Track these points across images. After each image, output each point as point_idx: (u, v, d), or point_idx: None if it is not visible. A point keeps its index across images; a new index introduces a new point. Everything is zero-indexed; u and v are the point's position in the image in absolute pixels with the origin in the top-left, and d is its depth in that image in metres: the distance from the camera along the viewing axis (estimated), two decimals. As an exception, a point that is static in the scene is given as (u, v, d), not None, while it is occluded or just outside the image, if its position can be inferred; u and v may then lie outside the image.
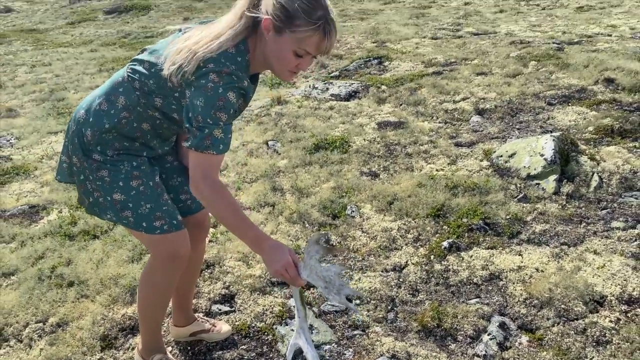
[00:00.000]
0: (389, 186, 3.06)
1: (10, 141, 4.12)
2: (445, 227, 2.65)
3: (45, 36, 7.87)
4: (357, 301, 2.17)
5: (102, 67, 6.10)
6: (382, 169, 3.29)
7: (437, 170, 3.20)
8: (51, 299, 2.27)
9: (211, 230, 2.75)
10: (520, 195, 2.83)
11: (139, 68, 1.56)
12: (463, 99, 4.21)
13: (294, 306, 1.59)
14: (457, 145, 3.50)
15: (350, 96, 4.59)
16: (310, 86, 4.87)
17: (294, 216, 2.83)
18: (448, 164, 3.27)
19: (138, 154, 1.65)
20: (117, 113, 1.58)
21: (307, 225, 2.77)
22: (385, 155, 3.47)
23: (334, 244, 1.38)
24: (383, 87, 4.68)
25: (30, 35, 7.88)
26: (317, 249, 1.48)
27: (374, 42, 6.25)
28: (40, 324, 2.14)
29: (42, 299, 2.28)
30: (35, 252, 2.62)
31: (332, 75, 5.23)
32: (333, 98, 4.57)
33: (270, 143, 3.73)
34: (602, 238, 2.47)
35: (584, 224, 2.61)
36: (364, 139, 3.70)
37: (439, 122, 3.89)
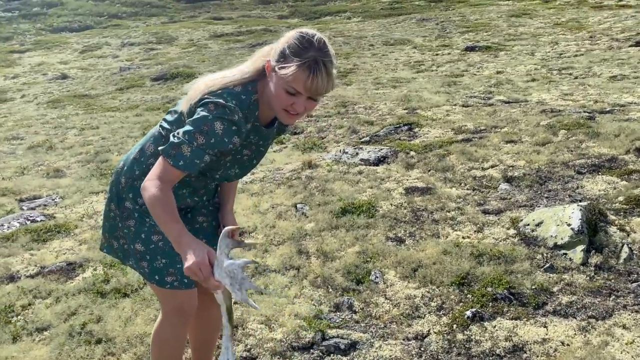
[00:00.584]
0: (414, 252, 3.07)
1: (55, 200, 4.35)
2: (469, 295, 2.63)
3: (96, 101, 8.39)
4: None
5: (146, 131, 6.44)
6: (408, 235, 3.32)
7: (463, 237, 3.21)
8: (79, 356, 2.35)
9: (236, 291, 2.81)
10: (547, 265, 2.79)
11: (168, 117, 1.73)
12: (492, 167, 4.24)
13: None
14: (484, 212, 3.51)
15: (379, 161, 4.69)
16: (340, 151, 5.00)
17: (318, 280, 2.87)
18: (474, 231, 3.27)
19: None
20: (146, 160, 1.72)
21: (330, 290, 2.80)
22: (412, 221, 3.50)
23: (244, 239, 1.37)
24: (412, 153, 4.77)
25: (82, 100, 8.42)
26: (227, 243, 1.41)
27: (405, 109, 6.40)
28: (67, 380, 2.20)
29: (70, 355, 2.35)
30: (69, 308, 2.72)
31: (362, 140, 5.37)
32: (362, 163, 4.67)
33: (299, 206, 3.82)
34: (632, 312, 2.41)
35: (613, 296, 2.54)
36: (391, 204, 3.75)
37: (467, 189, 3.92)
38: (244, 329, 2.51)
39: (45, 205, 4.26)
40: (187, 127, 1.51)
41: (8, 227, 3.80)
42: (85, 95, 8.81)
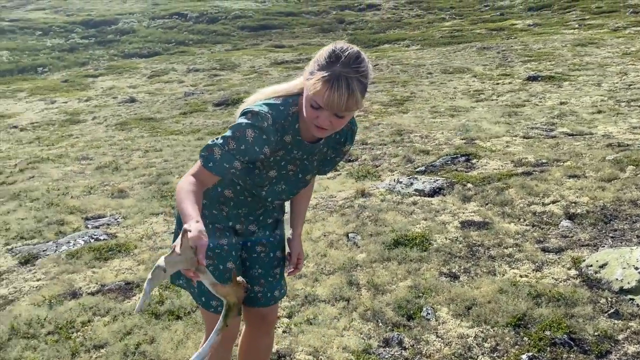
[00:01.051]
0: (469, 290, 2.98)
1: (118, 220, 4.54)
2: (525, 338, 2.52)
3: (160, 124, 8.76)
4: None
5: (205, 154, 6.63)
6: (462, 271, 3.23)
7: (520, 276, 3.09)
8: (132, 376, 2.41)
9: (285, 320, 2.82)
10: (612, 311, 2.64)
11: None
12: (553, 202, 4.08)
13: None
14: (544, 250, 3.37)
15: (434, 192, 4.61)
16: (394, 180, 4.96)
17: (368, 313, 2.83)
18: (533, 270, 3.14)
19: (223, 226, 1.79)
20: None
21: (380, 324, 2.75)
22: (467, 256, 3.41)
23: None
24: (469, 185, 4.67)
25: (147, 123, 8.81)
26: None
27: (462, 139, 6.30)
28: (119, 399, 2.26)
29: (124, 375, 2.42)
30: (125, 327, 2.81)
31: (417, 170, 5.31)
32: (417, 193, 4.62)
33: (350, 235, 3.81)
34: None
35: (686, 349, 2.36)
36: (446, 238, 3.67)
37: (526, 225, 3.78)
38: (291, 359, 2.50)
39: (108, 224, 4.45)
40: (225, 133, 1.58)
41: (74, 244, 3.99)
42: (150, 119, 9.21)
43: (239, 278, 1.47)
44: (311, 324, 2.78)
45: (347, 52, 1.46)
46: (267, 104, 1.60)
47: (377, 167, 5.50)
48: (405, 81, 10.67)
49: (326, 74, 1.45)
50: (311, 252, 3.60)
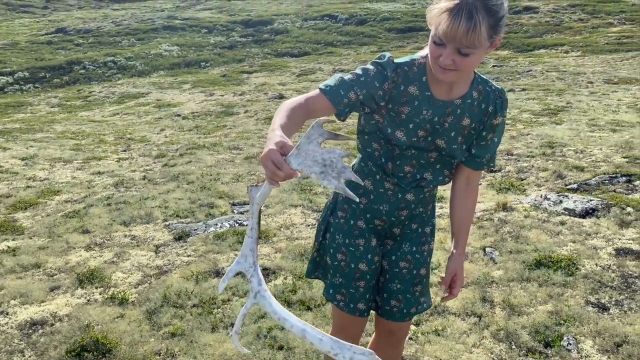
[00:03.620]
0: (619, 324, 2.69)
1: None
2: (687, 390, 2.21)
3: (305, 122, 9.17)
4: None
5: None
6: (613, 303, 2.92)
7: (686, 318, 2.71)
8: (263, 357, 2.55)
9: (412, 327, 2.78)
10: None
11: None
12: None
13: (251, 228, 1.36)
14: None
15: (586, 213, 4.22)
16: (541, 196, 4.64)
17: (501, 334, 2.69)
18: (702, 313, 2.74)
19: (364, 223, 1.75)
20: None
21: (514, 346, 2.60)
22: (621, 287, 3.08)
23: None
24: (629, 209, 4.20)
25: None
26: (320, 132, 1.26)
27: (624, 157, 5.68)
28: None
29: (256, 355, 2.58)
30: (259, 311, 2.99)
31: (568, 187, 4.90)
32: (566, 212, 4.26)
33: (487, 250, 3.64)
34: None
35: None
36: (596, 264, 3.35)
37: (697, 261, 3.31)
38: (416, 368, 2.47)
39: (251, 212, 4.76)
40: None
41: (220, 226, 4.32)
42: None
43: None
44: (439, 335, 2.71)
45: None
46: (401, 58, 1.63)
47: (522, 180, 5.19)
48: (561, 90, 9.91)
49: (450, 4, 1.37)
50: (444, 263, 3.51)
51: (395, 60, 1.59)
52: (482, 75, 1.65)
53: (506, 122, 8.22)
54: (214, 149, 7.24)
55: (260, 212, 1.40)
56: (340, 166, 1.25)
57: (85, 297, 3.23)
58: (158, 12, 27.67)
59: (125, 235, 4.19)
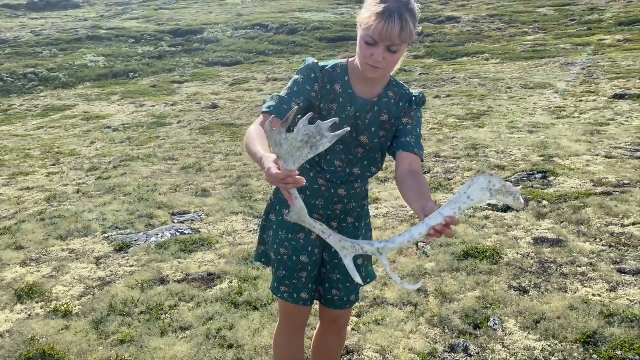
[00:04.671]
0: (538, 304, 2.99)
1: (201, 217, 4.87)
2: (595, 355, 2.51)
3: (240, 130, 9.19)
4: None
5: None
6: (532, 286, 3.24)
7: (593, 295, 3.06)
8: (214, 356, 2.64)
9: (354, 319, 2.96)
10: (689, 336, 2.57)
11: None
12: (633, 224, 3.97)
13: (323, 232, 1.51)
14: (620, 272, 3.31)
15: (507, 208, 4.59)
16: (468, 194, 4.98)
17: (435, 319, 2.92)
18: (607, 290, 3.10)
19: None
20: None
21: (447, 330, 2.83)
22: (538, 272, 3.40)
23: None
24: (544, 202, 4.61)
25: (228, 129, 9.28)
26: (278, 131, 1.35)
27: (540, 156, 6.19)
28: (202, 376, 2.49)
29: (207, 355, 2.66)
30: (207, 313, 3.06)
31: (492, 185, 5.29)
32: (489, 208, 4.62)
33: (420, 244, 3.90)
34: None
35: None
36: (517, 253, 3.67)
37: (602, 245, 3.71)
38: (359, 356, 2.64)
39: (192, 220, 4.79)
40: None
41: (162, 236, 4.34)
42: (231, 124, 9.68)
43: None
44: (379, 324, 2.90)
45: None
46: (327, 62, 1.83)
47: (449, 180, 5.53)
48: (482, 95, 10.54)
49: (380, 9, 1.57)
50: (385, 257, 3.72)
51: (320, 64, 1.80)
52: (396, 80, 1.87)
53: (434, 127, 8.58)
54: (149, 160, 7.17)
55: (314, 218, 1.59)
56: (314, 129, 1.33)
57: (26, 312, 3.17)
58: (81, 22, 26.70)
59: (63, 250, 4.12)
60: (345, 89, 1.78)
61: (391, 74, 1.82)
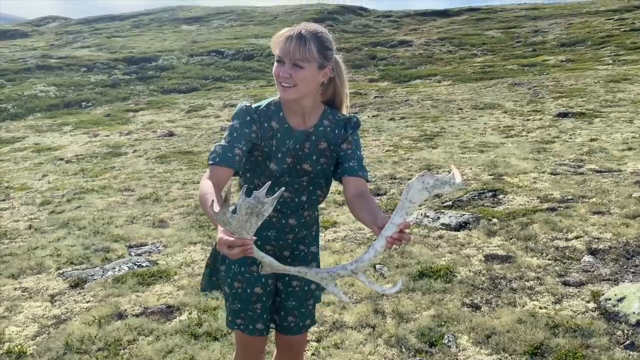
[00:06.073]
0: (489, 319, 3.12)
1: (159, 248, 4.84)
2: (542, 367, 2.64)
3: (198, 157, 9.17)
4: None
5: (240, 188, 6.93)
6: (484, 302, 3.37)
7: (540, 307, 3.21)
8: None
9: (314, 344, 3.01)
10: (627, 342, 2.74)
11: None
12: (576, 238, 4.19)
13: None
14: (564, 284, 3.48)
15: (460, 226, 4.76)
16: (422, 214, 5.14)
17: (392, 340, 3.00)
18: (552, 302, 3.26)
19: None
20: None
21: (404, 349, 2.92)
22: (489, 288, 3.55)
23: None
24: (494, 220, 4.80)
25: (185, 157, 9.24)
26: (223, 211, 1.41)
27: (490, 175, 6.44)
28: (162, 411, 2.48)
29: (166, 389, 2.64)
30: (167, 346, 3.05)
31: (444, 204, 5.47)
32: (443, 227, 4.78)
33: (377, 267, 3.99)
34: None
35: (700, 381, 2.45)
36: (470, 270, 3.81)
37: (548, 259, 3.89)
38: (319, 380, 2.68)
39: (150, 252, 4.75)
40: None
41: (119, 270, 4.29)
42: (189, 152, 9.64)
43: None
44: (338, 348, 2.96)
45: (309, 24, 1.81)
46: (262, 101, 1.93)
47: (405, 201, 5.68)
48: (435, 116, 10.88)
49: (287, 32, 1.77)
50: (339, 282, 3.79)
51: (253, 105, 1.90)
52: (331, 109, 1.97)
53: (389, 149, 8.76)
54: (104, 192, 7.06)
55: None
56: (253, 200, 1.41)
57: (-23, 356, 3.08)
58: (30, 51, 26.14)
59: (15, 288, 4.01)
60: (281, 124, 1.89)
61: (324, 103, 1.95)
